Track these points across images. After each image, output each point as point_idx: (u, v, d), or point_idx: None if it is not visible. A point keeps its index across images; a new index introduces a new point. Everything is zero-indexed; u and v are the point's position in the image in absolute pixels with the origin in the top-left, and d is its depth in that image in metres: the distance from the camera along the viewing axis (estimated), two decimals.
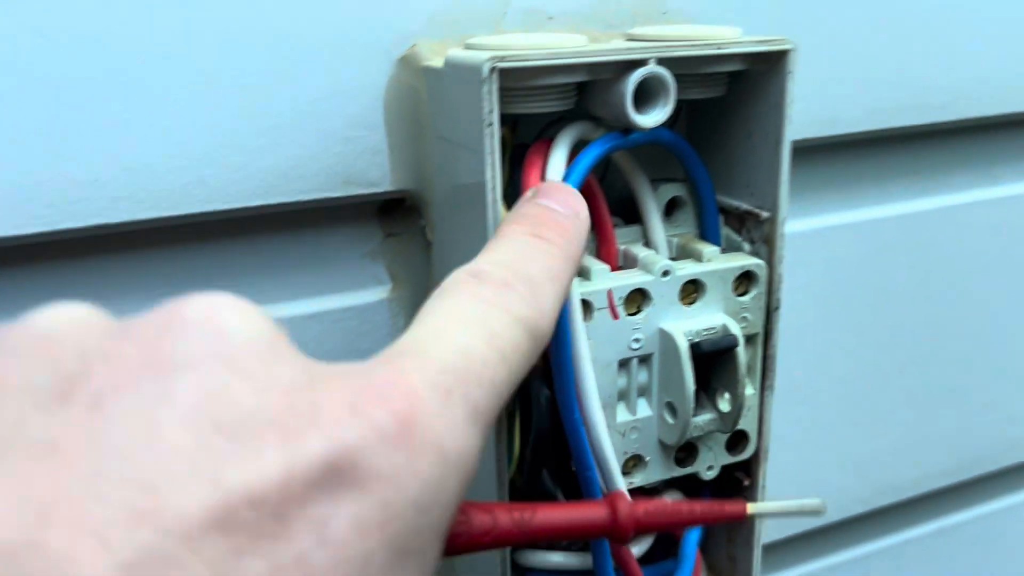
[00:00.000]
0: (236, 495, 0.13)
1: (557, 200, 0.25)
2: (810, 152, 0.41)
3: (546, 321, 0.21)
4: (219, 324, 0.16)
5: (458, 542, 0.19)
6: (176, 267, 0.31)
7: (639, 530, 0.21)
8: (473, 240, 0.28)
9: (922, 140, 0.44)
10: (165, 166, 0.28)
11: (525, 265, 0.21)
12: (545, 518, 0.20)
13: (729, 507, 0.22)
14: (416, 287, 0.34)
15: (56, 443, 0.13)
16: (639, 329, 0.31)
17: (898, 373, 0.46)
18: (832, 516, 0.47)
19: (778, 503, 0.23)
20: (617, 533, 0.21)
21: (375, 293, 0.34)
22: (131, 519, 0.12)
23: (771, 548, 0.47)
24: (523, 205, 0.25)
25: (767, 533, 0.45)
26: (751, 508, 0.22)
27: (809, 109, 0.38)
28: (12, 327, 0.16)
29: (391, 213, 0.34)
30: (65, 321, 0.16)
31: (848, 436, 0.46)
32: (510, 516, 0.19)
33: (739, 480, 0.35)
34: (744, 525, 0.36)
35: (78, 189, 0.28)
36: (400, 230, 0.34)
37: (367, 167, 0.31)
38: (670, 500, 0.22)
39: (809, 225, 0.42)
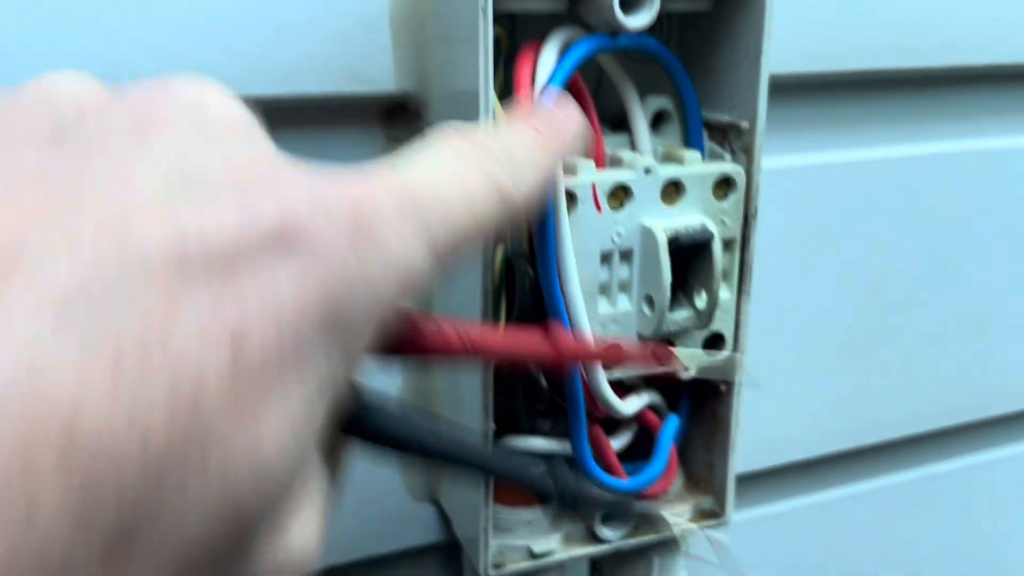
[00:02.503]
0: (193, 237, 0.15)
1: (558, 106, 0.26)
2: (795, 90, 0.42)
3: (520, 195, 0.22)
4: (202, 99, 0.18)
5: (407, 348, 0.21)
6: None
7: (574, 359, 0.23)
8: None
9: (907, 86, 0.45)
10: (184, 51, 0.31)
11: (511, 143, 0.22)
12: (487, 336, 0.22)
13: (657, 351, 0.25)
14: None
15: (46, 172, 0.15)
16: (621, 224, 0.32)
17: (881, 314, 0.48)
18: (815, 450, 0.49)
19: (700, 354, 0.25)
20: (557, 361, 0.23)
21: None
22: (100, 235, 0.14)
23: (749, 479, 0.48)
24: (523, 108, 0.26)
25: (747, 463, 0.47)
26: (678, 351, 0.25)
27: (794, 42, 0.40)
28: (23, 84, 0.18)
29: (394, 118, 0.36)
30: (70, 81, 0.18)
31: (831, 372, 0.48)
32: (455, 329, 0.22)
33: (716, 386, 0.37)
34: (720, 435, 0.38)
35: (103, 66, 0.30)
36: (402, 135, 0.36)
37: (372, 66, 0.33)
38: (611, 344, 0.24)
39: (791, 162, 0.44)
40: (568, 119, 0.25)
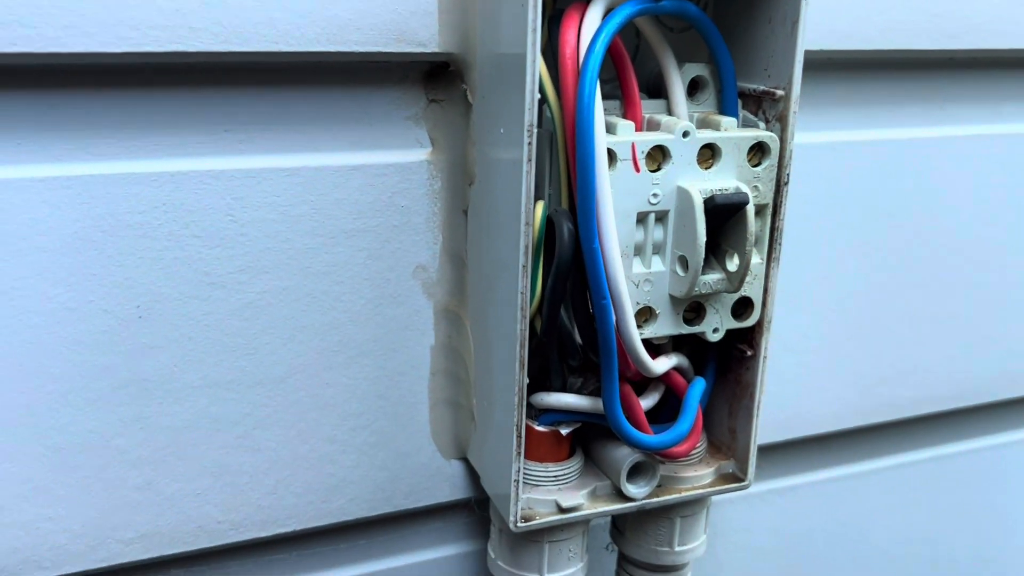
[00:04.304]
0: None
1: None
2: (827, 68, 0.43)
3: None
4: None
5: None
6: (239, 108, 0.34)
7: None
8: (513, 97, 0.31)
9: (934, 69, 0.46)
10: (240, 4, 0.32)
11: None
12: None
13: None
14: (454, 153, 0.37)
15: None
16: (658, 185, 0.33)
17: (902, 293, 0.49)
18: (831, 426, 0.50)
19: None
20: None
21: (416, 154, 0.37)
22: None
23: (769, 451, 0.49)
24: None
25: (763, 436, 0.48)
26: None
27: (827, 21, 0.41)
28: None
29: (436, 80, 0.37)
30: None
31: (851, 348, 0.49)
32: None
33: (743, 351, 0.38)
34: (745, 400, 0.39)
35: (162, 16, 0.31)
36: (443, 97, 0.37)
37: (418, 27, 0.34)
38: None
39: (822, 139, 0.45)
40: None
